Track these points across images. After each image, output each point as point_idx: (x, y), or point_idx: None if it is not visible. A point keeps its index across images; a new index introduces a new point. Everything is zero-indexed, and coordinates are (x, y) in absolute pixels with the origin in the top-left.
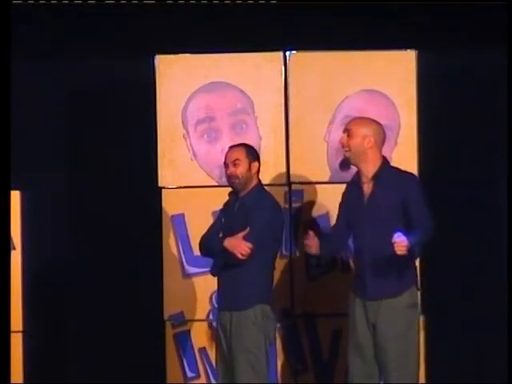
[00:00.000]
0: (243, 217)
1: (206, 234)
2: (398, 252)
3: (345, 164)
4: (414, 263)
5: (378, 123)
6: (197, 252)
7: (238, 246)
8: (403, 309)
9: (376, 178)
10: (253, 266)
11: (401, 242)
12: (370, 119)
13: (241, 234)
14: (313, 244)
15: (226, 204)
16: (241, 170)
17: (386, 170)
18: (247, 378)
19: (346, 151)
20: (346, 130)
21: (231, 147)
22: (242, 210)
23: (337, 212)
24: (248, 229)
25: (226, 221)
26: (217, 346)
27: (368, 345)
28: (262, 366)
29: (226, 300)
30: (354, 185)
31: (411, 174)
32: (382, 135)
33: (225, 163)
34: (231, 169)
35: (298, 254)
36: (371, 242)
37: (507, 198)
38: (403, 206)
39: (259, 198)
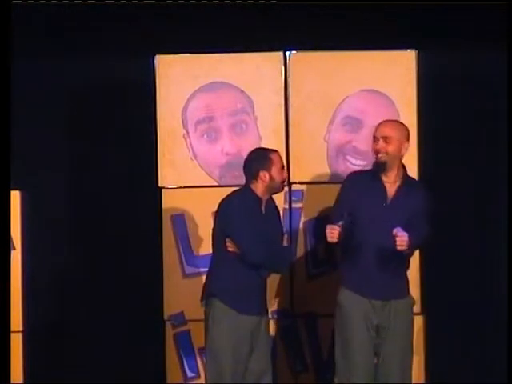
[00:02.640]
0: (274, 218)
1: (253, 246)
2: (399, 247)
3: (379, 168)
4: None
5: (407, 127)
6: (197, 252)
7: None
8: (410, 309)
9: (402, 181)
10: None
11: (402, 236)
12: (400, 123)
13: (286, 239)
14: (336, 232)
15: (249, 209)
16: None
17: (407, 175)
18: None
19: (382, 157)
20: (384, 137)
21: (278, 152)
22: (272, 211)
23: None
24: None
25: (258, 226)
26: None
27: (368, 345)
28: None
29: (260, 305)
30: (375, 181)
31: (423, 186)
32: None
33: (283, 167)
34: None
35: (297, 254)
36: (387, 243)
37: (507, 198)
38: (412, 215)
39: (271, 201)
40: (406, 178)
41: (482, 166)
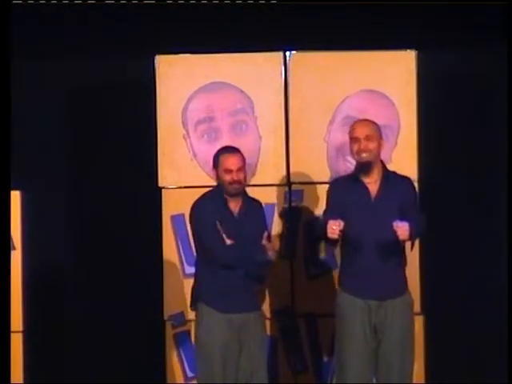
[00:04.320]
0: (250, 218)
1: (220, 248)
2: (401, 237)
3: (364, 168)
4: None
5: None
6: None
7: (274, 248)
8: (408, 307)
9: (383, 178)
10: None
11: (403, 226)
12: (372, 120)
13: (265, 238)
14: (337, 228)
15: (215, 210)
16: (244, 175)
17: (387, 171)
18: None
19: (366, 156)
20: (366, 137)
21: (230, 153)
22: (249, 210)
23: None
24: (265, 230)
25: (226, 226)
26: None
27: (369, 346)
28: None
29: (247, 303)
30: (357, 183)
31: (407, 177)
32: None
33: (227, 169)
34: (238, 175)
35: (297, 254)
36: (379, 241)
37: (507, 198)
38: (402, 206)
39: (252, 201)
40: (386, 173)
41: (482, 165)
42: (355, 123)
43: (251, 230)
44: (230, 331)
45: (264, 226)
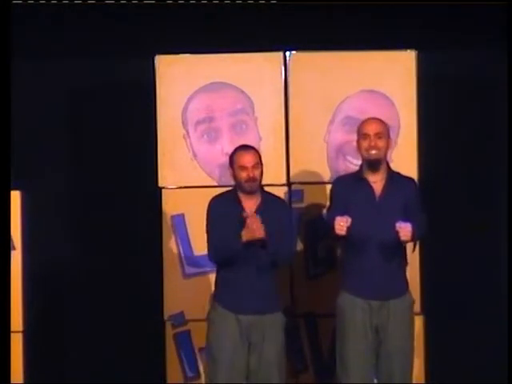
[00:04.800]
0: (267, 219)
1: (222, 249)
2: (404, 238)
3: (372, 165)
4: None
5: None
6: (197, 252)
7: (257, 228)
8: (409, 308)
9: (388, 178)
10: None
11: (405, 226)
12: (381, 119)
13: (254, 217)
14: (344, 224)
15: (225, 209)
16: (260, 172)
17: (392, 171)
18: (282, 378)
19: (376, 153)
20: (376, 134)
21: (245, 150)
22: (263, 212)
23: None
24: (285, 229)
25: (240, 226)
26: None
27: (370, 346)
28: None
29: (257, 304)
30: (361, 181)
31: (411, 178)
32: None
33: (242, 166)
34: (253, 172)
35: (297, 254)
36: (382, 241)
37: (507, 198)
38: (405, 207)
39: (274, 199)
40: (390, 173)
41: (481, 166)
42: (366, 120)
43: (268, 229)
44: (239, 331)
45: (285, 224)
